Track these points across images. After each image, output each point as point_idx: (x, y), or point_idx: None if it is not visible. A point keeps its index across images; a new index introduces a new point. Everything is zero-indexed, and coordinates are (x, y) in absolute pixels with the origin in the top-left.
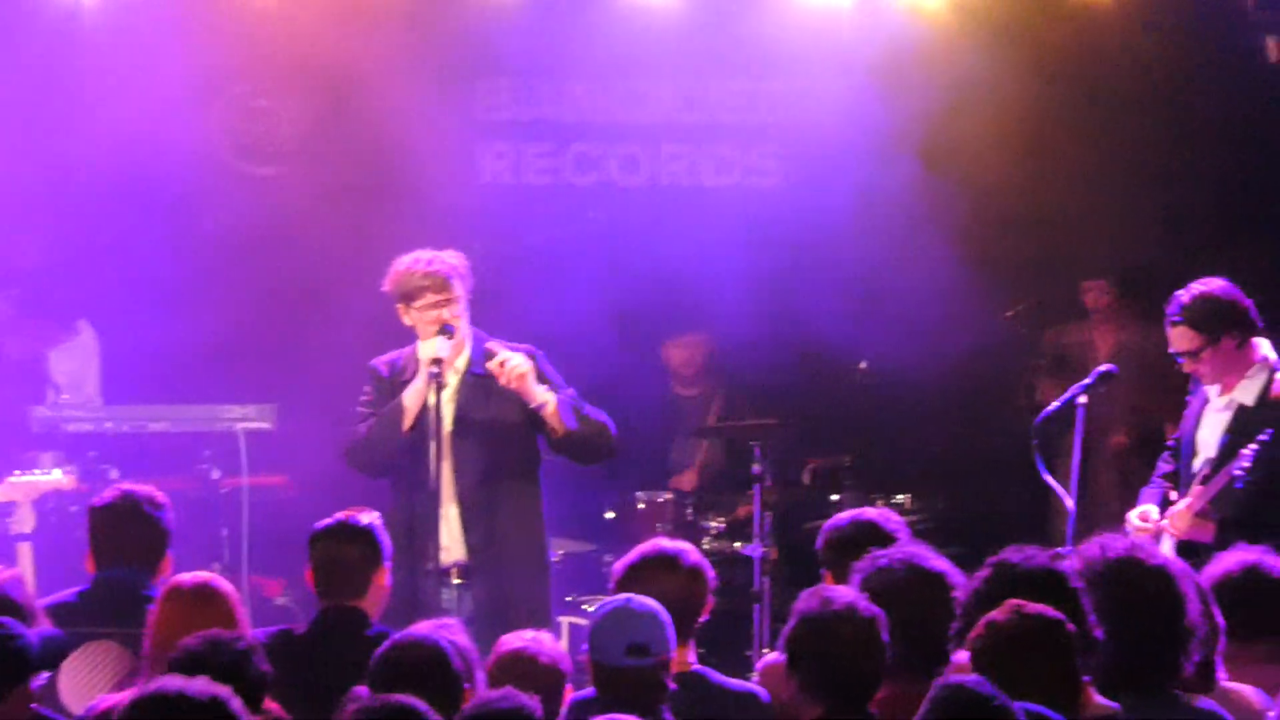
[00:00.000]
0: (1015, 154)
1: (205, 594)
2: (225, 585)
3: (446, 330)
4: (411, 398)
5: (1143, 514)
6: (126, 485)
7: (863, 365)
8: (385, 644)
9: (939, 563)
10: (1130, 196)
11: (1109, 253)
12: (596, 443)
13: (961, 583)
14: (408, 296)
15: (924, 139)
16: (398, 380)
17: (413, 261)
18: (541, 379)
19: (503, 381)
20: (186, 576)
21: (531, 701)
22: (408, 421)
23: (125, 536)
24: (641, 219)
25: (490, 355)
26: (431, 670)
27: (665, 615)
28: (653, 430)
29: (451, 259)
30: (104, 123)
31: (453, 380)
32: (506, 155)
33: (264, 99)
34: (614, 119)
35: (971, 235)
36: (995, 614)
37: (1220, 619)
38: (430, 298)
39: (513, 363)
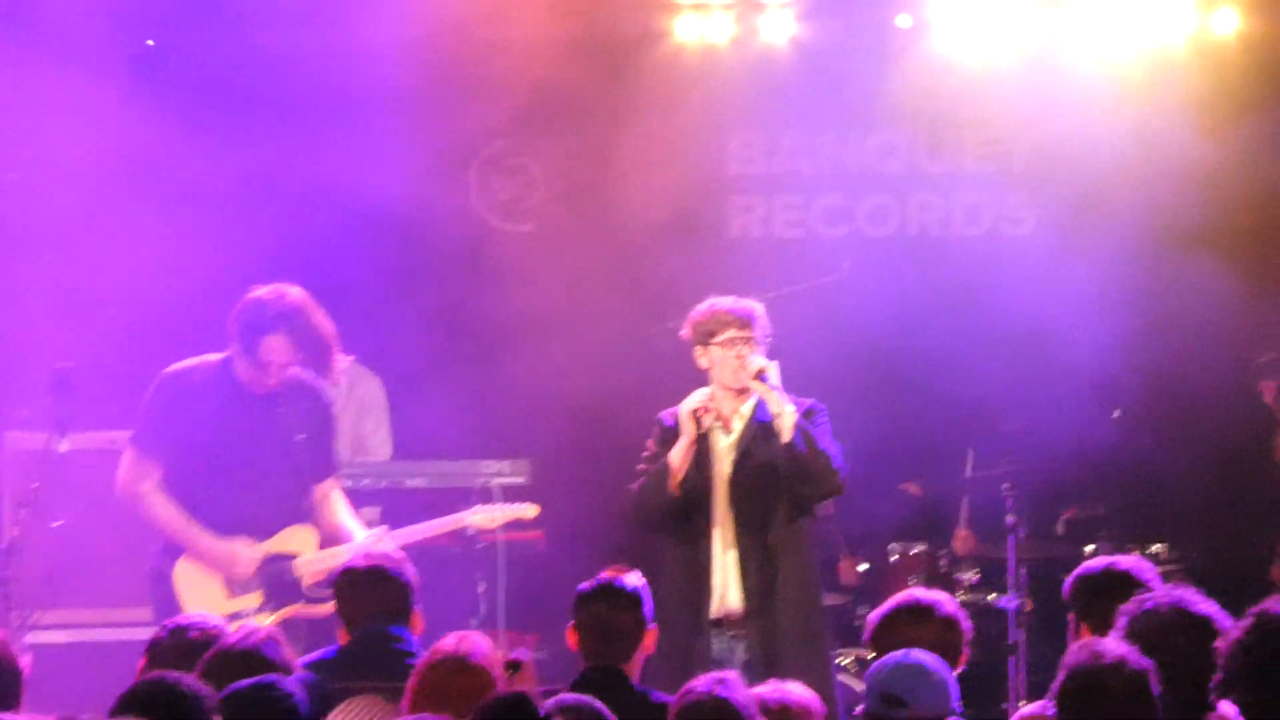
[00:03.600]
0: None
1: (461, 665)
2: (481, 656)
3: (761, 378)
4: (677, 456)
5: None
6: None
7: (1116, 413)
8: None
9: (1206, 606)
10: None
11: None
12: (811, 470)
13: (1228, 627)
14: (709, 333)
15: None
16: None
17: (717, 301)
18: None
19: (741, 378)
20: (449, 644)
21: None
22: (674, 480)
23: (369, 599)
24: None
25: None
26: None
27: (943, 673)
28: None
29: (754, 305)
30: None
31: (738, 426)
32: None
33: (519, 157)
34: (864, 169)
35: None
36: None
37: None
38: (733, 333)
39: (758, 363)
